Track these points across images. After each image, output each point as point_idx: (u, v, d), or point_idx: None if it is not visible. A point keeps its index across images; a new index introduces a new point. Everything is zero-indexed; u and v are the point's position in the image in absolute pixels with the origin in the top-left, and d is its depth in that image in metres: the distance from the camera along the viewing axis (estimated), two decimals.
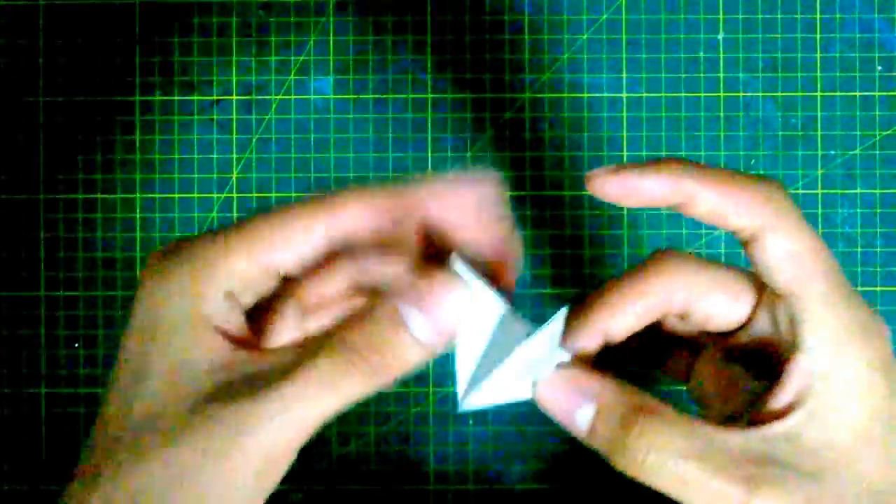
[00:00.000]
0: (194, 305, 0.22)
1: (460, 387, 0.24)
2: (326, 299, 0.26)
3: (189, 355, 0.22)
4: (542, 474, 0.42)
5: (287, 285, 0.25)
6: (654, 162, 0.23)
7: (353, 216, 0.23)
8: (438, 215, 0.24)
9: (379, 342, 0.22)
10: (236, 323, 0.23)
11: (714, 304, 0.25)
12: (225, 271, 0.22)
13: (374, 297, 0.23)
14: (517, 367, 0.24)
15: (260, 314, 0.26)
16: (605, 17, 0.43)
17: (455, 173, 0.24)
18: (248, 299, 0.24)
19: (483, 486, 0.42)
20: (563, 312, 0.24)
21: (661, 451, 0.22)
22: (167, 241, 0.43)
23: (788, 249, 0.22)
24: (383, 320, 0.22)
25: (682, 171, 0.23)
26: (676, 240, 0.42)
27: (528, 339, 0.23)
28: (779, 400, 0.23)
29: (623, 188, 0.23)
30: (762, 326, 0.25)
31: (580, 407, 0.23)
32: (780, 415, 0.22)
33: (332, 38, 0.43)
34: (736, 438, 0.22)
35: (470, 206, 0.24)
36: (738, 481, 0.21)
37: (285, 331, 0.26)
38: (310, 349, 0.22)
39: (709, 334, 0.26)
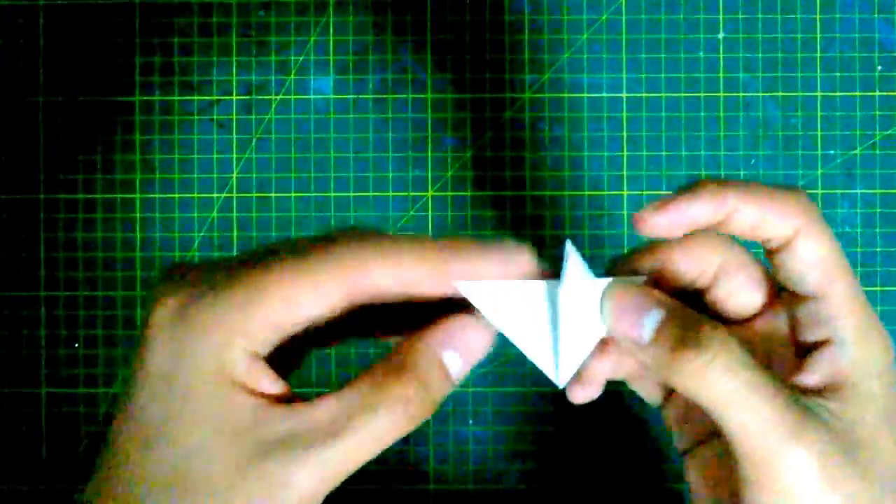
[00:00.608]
0: (222, 369, 0.22)
1: (548, 370, 0.25)
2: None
3: (223, 416, 0.22)
4: (542, 474, 0.42)
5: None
6: (692, 187, 0.24)
7: (375, 278, 0.23)
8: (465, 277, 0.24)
9: (429, 392, 0.23)
10: (265, 378, 0.23)
11: (741, 283, 0.26)
12: (244, 336, 0.22)
13: (401, 347, 0.23)
14: (573, 318, 0.24)
15: (290, 358, 0.26)
16: (605, 17, 0.43)
17: (490, 243, 0.24)
18: (266, 349, 0.23)
19: (483, 486, 0.42)
20: (568, 245, 0.25)
21: (727, 358, 0.22)
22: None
23: (818, 254, 0.24)
24: (431, 370, 0.23)
25: (722, 192, 0.24)
26: None
27: (560, 289, 0.24)
28: (814, 383, 0.24)
29: (673, 222, 0.24)
30: (772, 324, 0.26)
31: (647, 314, 0.24)
32: (818, 395, 0.24)
33: (332, 38, 0.43)
34: (787, 389, 0.23)
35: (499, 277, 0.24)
36: (790, 414, 0.22)
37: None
38: (360, 403, 0.22)
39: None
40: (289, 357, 0.26)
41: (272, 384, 0.23)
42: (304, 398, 0.23)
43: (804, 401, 0.23)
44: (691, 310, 0.24)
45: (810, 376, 0.24)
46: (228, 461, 0.21)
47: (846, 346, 0.24)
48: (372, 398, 0.22)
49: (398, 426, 0.22)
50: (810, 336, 0.25)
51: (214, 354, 0.22)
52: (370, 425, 0.22)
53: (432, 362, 0.23)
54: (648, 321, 0.24)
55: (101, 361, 0.43)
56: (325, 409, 0.22)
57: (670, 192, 0.24)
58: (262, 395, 0.22)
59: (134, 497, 0.21)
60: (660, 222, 0.24)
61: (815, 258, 0.24)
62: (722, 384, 0.22)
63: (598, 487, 0.42)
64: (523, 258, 0.24)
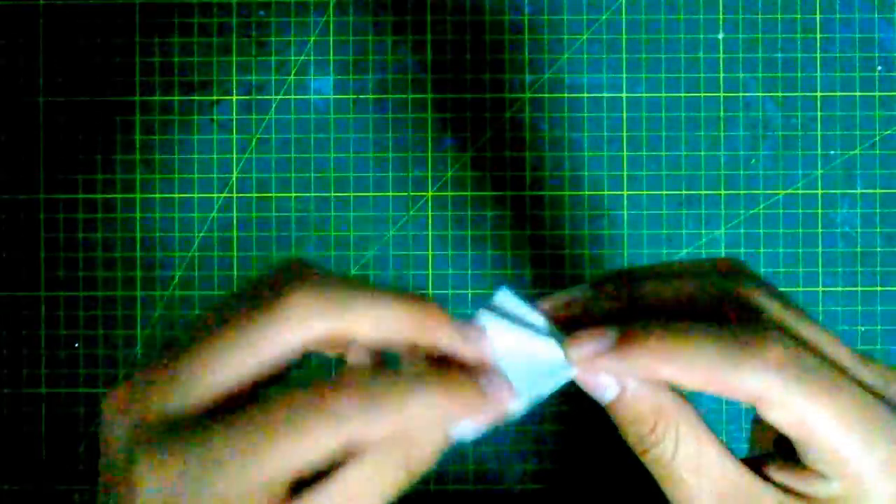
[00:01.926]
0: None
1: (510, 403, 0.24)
2: None
3: None
4: (542, 474, 0.42)
5: None
6: (629, 341, 0.23)
7: (317, 331, 0.21)
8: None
9: (428, 455, 0.23)
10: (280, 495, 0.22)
11: None
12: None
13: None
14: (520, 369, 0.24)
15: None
16: (605, 17, 0.43)
17: (463, 327, 0.23)
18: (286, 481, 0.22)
19: (483, 486, 0.42)
20: (505, 294, 0.25)
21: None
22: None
23: (788, 418, 0.22)
24: (433, 444, 0.23)
25: (660, 358, 0.22)
26: (677, 240, 0.42)
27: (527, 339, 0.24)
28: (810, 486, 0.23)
29: (601, 374, 0.24)
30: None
31: (607, 387, 0.24)
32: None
33: (332, 38, 0.43)
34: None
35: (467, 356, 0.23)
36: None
37: None
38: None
39: None
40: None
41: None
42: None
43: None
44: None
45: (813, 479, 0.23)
46: None
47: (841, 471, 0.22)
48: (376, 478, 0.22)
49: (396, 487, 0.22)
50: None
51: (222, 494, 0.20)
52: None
53: (438, 438, 0.23)
54: (609, 392, 0.24)
55: (101, 361, 0.43)
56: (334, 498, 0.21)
57: (602, 338, 0.23)
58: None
59: None
60: (590, 373, 0.24)
61: (783, 422, 0.22)
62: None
63: (598, 487, 0.42)
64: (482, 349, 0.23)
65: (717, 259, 0.25)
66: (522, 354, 0.24)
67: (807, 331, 0.24)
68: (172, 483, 0.20)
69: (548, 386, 0.24)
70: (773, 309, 0.23)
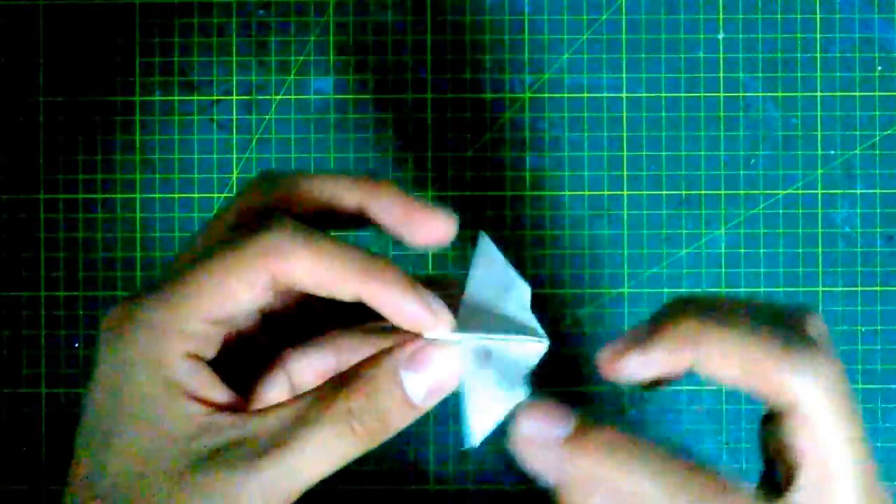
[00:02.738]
0: (160, 372, 0.21)
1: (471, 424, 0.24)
2: (311, 374, 0.26)
3: (164, 422, 0.21)
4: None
5: (277, 359, 0.25)
6: (652, 333, 0.22)
7: (296, 273, 0.22)
8: (375, 307, 0.23)
9: (380, 407, 0.22)
10: (208, 384, 0.22)
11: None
12: (178, 335, 0.21)
13: (364, 360, 0.23)
14: (496, 377, 0.24)
15: (245, 376, 0.25)
16: (605, 17, 0.43)
17: (415, 290, 0.23)
18: (211, 351, 0.23)
19: (483, 486, 0.42)
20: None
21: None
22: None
23: (809, 442, 0.21)
24: (384, 384, 0.22)
25: (680, 344, 0.22)
26: (677, 240, 0.42)
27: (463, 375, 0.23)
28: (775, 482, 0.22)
29: (631, 375, 0.23)
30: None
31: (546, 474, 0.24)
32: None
33: (332, 38, 0.43)
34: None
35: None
36: None
37: (274, 393, 0.26)
38: (303, 415, 0.21)
39: None
40: (253, 367, 0.26)
41: (218, 391, 0.22)
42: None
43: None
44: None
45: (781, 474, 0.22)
46: (169, 471, 0.21)
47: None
48: (317, 409, 0.21)
49: (347, 443, 0.21)
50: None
51: (150, 356, 0.21)
52: (315, 438, 0.21)
53: (387, 378, 0.22)
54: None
55: None
56: (269, 420, 0.21)
57: (631, 335, 0.23)
58: (205, 402, 0.22)
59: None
60: (620, 375, 0.23)
61: (804, 446, 0.21)
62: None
63: None
64: (439, 320, 0.23)
65: (798, 306, 0.24)
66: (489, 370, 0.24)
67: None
68: (122, 309, 0.22)
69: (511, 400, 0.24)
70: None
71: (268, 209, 0.23)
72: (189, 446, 0.21)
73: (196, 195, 0.43)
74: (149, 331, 0.21)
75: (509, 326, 0.24)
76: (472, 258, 0.25)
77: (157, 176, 0.43)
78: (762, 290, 0.42)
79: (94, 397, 0.22)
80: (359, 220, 0.24)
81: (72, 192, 0.43)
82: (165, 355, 0.21)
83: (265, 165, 0.43)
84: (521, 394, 0.24)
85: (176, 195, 0.43)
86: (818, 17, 0.43)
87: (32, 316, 0.43)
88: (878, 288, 0.42)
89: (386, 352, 0.23)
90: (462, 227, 0.43)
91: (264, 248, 0.22)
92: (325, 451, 0.21)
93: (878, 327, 0.42)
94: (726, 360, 0.22)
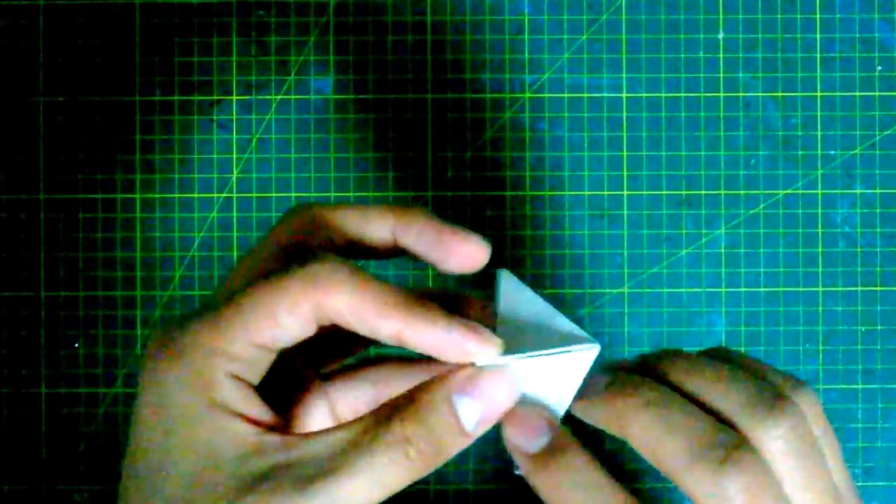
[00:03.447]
0: (206, 393, 0.21)
1: None
2: (353, 403, 0.26)
3: (213, 444, 0.21)
4: None
5: (315, 384, 0.26)
6: (606, 395, 0.24)
7: (339, 305, 0.22)
8: (414, 344, 0.23)
9: (434, 434, 0.21)
10: (255, 406, 0.22)
11: None
12: (224, 357, 0.22)
13: (416, 386, 0.23)
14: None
15: (286, 401, 0.25)
16: (605, 17, 0.43)
17: (456, 326, 0.23)
18: (254, 376, 0.23)
19: (483, 486, 0.42)
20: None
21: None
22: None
23: None
24: (438, 411, 0.22)
25: (621, 420, 0.23)
26: (677, 240, 0.42)
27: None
28: None
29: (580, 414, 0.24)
30: None
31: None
32: None
33: (332, 38, 0.43)
34: None
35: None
36: None
37: (315, 418, 0.26)
38: (357, 440, 0.21)
39: None
40: (291, 391, 0.26)
41: (263, 413, 0.22)
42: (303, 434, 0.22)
43: None
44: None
45: None
46: (219, 495, 0.20)
47: None
48: (370, 435, 0.21)
49: (399, 470, 0.21)
50: None
51: (195, 376, 0.21)
52: (369, 465, 0.21)
53: (442, 406, 0.22)
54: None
55: (101, 361, 0.43)
56: (321, 445, 0.21)
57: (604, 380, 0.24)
58: (252, 422, 0.22)
59: None
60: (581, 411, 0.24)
61: None
62: None
63: None
64: (482, 351, 0.23)
65: (787, 385, 0.24)
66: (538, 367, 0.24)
67: (799, 481, 0.22)
68: (167, 332, 0.22)
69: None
70: (780, 441, 0.22)
71: (308, 243, 0.24)
72: (238, 469, 0.21)
73: (196, 195, 0.43)
74: (194, 351, 0.21)
75: (553, 341, 0.24)
76: (497, 290, 0.25)
77: (157, 176, 0.43)
78: (762, 289, 0.42)
79: (140, 421, 0.22)
80: (391, 249, 0.25)
81: (72, 192, 0.43)
82: (212, 375, 0.21)
83: (265, 165, 0.43)
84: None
85: (176, 195, 0.43)
86: (818, 17, 0.43)
87: (32, 316, 0.43)
88: (878, 288, 0.42)
89: (439, 379, 0.22)
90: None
91: (309, 279, 0.22)
92: (378, 479, 0.21)
93: (878, 327, 0.42)
94: (645, 452, 0.23)
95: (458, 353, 0.22)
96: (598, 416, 0.24)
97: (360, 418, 0.22)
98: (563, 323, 0.24)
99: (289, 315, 0.22)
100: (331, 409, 0.27)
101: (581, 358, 0.24)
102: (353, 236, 0.24)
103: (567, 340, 0.24)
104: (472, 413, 0.22)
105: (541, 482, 0.23)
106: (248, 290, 0.22)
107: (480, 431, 0.22)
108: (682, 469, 0.22)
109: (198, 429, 0.21)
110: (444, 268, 0.24)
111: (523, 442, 0.24)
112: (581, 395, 0.24)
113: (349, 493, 0.20)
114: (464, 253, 0.24)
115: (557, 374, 0.24)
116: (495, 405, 0.22)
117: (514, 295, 0.25)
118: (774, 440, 0.22)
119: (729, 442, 0.22)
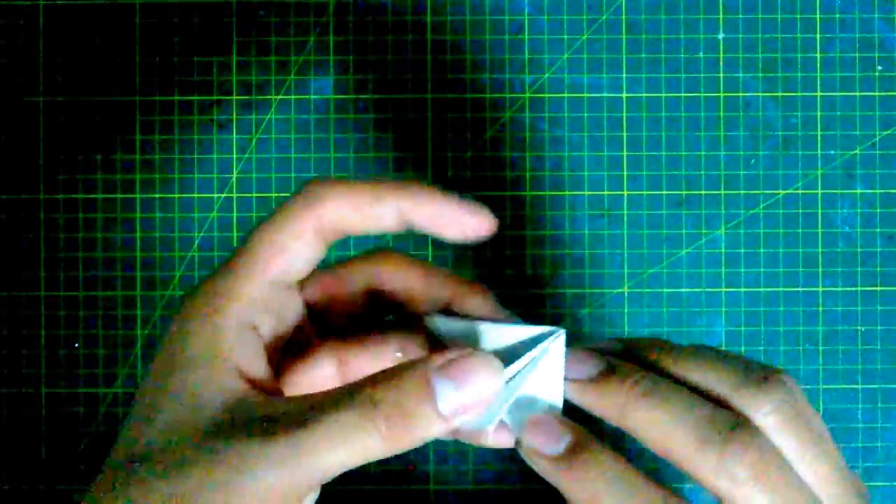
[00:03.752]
0: (215, 342, 0.22)
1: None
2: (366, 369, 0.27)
3: (203, 391, 0.22)
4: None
5: (327, 343, 0.26)
6: (603, 380, 0.24)
7: (337, 209, 0.23)
8: (415, 219, 0.24)
9: (404, 404, 0.21)
10: (257, 364, 0.23)
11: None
12: (239, 300, 0.22)
13: (405, 362, 0.23)
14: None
15: (294, 368, 0.26)
16: (605, 17, 0.43)
17: (449, 195, 0.24)
18: (270, 326, 0.23)
19: (483, 486, 0.42)
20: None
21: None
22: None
23: None
24: (412, 382, 0.22)
25: (625, 411, 0.23)
26: (677, 240, 0.42)
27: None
28: None
29: (580, 400, 0.24)
30: None
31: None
32: None
33: (332, 38, 0.43)
34: None
35: (445, 223, 0.24)
36: None
37: (317, 386, 0.26)
38: (330, 400, 0.21)
39: None
40: (298, 359, 0.26)
41: (262, 368, 0.23)
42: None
43: None
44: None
45: None
46: (192, 435, 0.21)
47: None
48: (342, 396, 0.21)
49: (367, 435, 0.21)
50: None
51: (207, 326, 0.22)
52: (333, 423, 0.21)
53: (418, 378, 0.22)
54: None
55: (101, 361, 0.43)
56: (299, 403, 0.22)
57: (598, 362, 0.24)
58: (247, 378, 0.22)
59: (120, 465, 0.22)
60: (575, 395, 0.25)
61: None
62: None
63: None
64: (475, 221, 0.24)
65: (769, 367, 0.24)
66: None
67: (797, 449, 0.23)
68: (193, 286, 0.23)
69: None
70: (774, 415, 0.23)
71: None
72: (216, 419, 0.21)
73: (196, 195, 0.43)
74: (213, 298, 0.23)
75: (520, 336, 0.25)
76: (437, 331, 0.26)
77: (157, 176, 0.43)
78: (762, 290, 0.42)
79: (152, 367, 0.23)
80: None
81: (72, 192, 0.43)
82: (224, 324, 0.22)
83: (265, 165, 0.43)
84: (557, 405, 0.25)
85: (176, 195, 0.43)
86: (818, 17, 0.43)
87: (32, 316, 0.43)
88: (878, 288, 0.42)
89: (425, 358, 0.22)
90: None
91: (304, 198, 0.23)
92: (342, 437, 0.21)
93: (878, 327, 0.42)
94: (649, 440, 0.23)
95: (455, 225, 0.24)
96: (596, 406, 0.24)
97: (344, 385, 0.22)
98: (520, 326, 0.25)
99: (295, 239, 0.23)
100: (341, 375, 0.27)
101: (554, 347, 0.24)
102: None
103: (533, 336, 0.24)
104: (450, 396, 0.22)
105: (569, 482, 0.23)
106: (253, 230, 0.24)
107: (457, 421, 0.22)
108: (688, 454, 0.22)
109: (192, 376, 0.22)
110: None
111: (545, 446, 0.24)
112: (573, 381, 0.25)
113: (312, 447, 0.20)
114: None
115: (540, 371, 0.24)
116: (475, 392, 0.22)
117: (452, 325, 0.25)
118: (769, 415, 0.22)
119: (729, 421, 0.22)
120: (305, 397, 0.22)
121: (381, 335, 0.27)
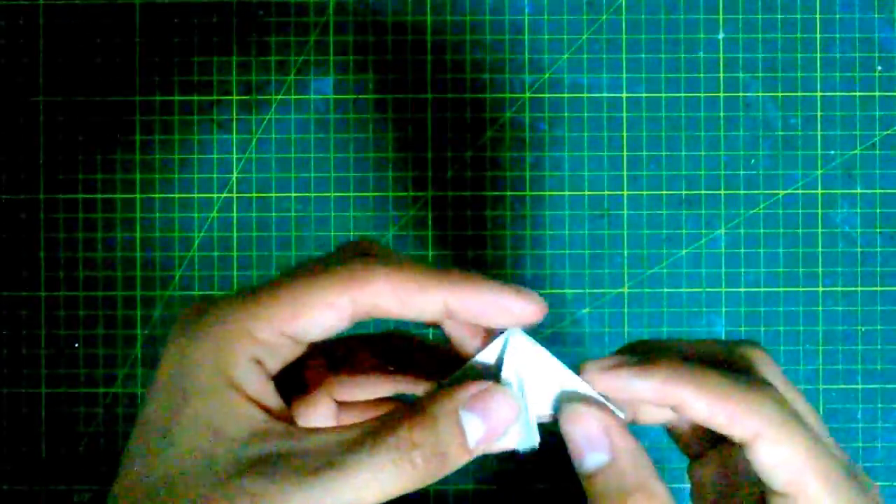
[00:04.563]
0: (225, 369, 0.21)
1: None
2: (357, 401, 0.27)
3: (222, 420, 0.21)
4: (542, 474, 0.42)
5: (320, 376, 0.26)
6: (648, 363, 0.24)
7: (378, 294, 0.23)
8: (461, 311, 0.23)
9: (439, 446, 0.21)
10: (268, 393, 0.22)
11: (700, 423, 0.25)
12: (250, 338, 0.22)
13: (424, 396, 0.23)
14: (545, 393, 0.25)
15: (290, 392, 0.26)
16: (605, 17, 0.43)
17: (495, 285, 0.23)
18: (274, 365, 0.23)
19: (483, 487, 0.42)
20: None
21: None
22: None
23: (782, 456, 0.23)
24: (445, 422, 0.22)
25: (673, 378, 0.23)
26: (677, 239, 0.42)
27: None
28: None
29: (615, 387, 0.24)
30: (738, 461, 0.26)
31: (595, 450, 0.24)
32: None
33: (332, 38, 0.43)
34: None
35: (494, 318, 0.24)
36: None
37: (317, 416, 0.26)
38: (359, 438, 0.21)
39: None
40: (298, 387, 0.26)
41: (274, 401, 0.22)
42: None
43: None
44: (640, 463, 0.24)
45: None
46: (217, 473, 0.20)
47: None
48: (377, 437, 0.21)
49: (401, 474, 0.21)
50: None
51: (216, 354, 0.21)
52: (371, 464, 0.20)
53: (450, 417, 0.22)
54: (591, 459, 0.24)
55: (101, 361, 0.43)
56: (325, 439, 0.21)
57: (624, 357, 0.24)
58: (261, 407, 0.22)
59: (133, 501, 0.21)
60: (601, 382, 0.24)
61: (777, 460, 0.23)
62: None
63: None
64: (527, 309, 0.23)
65: (741, 341, 0.26)
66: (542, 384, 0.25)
67: (800, 405, 0.25)
68: (195, 311, 0.23)
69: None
70: (774, 378, 0.25)
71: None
72: (241, 450, 0.21)
73: (196, 195, 0.43)
74: (222, 329, 0.22)
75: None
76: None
77: (157, 176, 0.43)
78: (762, 289, 0.42)
79: (156, 390, 0.22)
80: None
81: (72, 192, 0.43)
82: (233, 354, 0.22)
83: (265, 165, 0.43)
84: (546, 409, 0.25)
85: (176, 195, 0.43)
86: (818, 17, 0.43)
87: (32, 316, 0.43)
88: (878, 288, 0.42)
89: (446, 393, 0.23)
90: (462, 227, 0.43)
91: (348, 273, 0.22)
92: (377, 480, 0.21)
93: (878, 327, 0.42)
94: (700, 402, 0.23)
95: (505, 314, 0.23)
96: (652, 385, 0.24)
97: (367, 420, 0.22)
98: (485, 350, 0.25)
99: (326, 308, 0.22)
100: (335, 408, 0.27)
101: (515, 342, 0.25)
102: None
103: (498, 347, 0.25)
104: (477, 430, 0.22)
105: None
106: (285, 280, 0.22)
107: (481, 450, 0.22)
108: (724, 408, 0.23)
109: (208, 404, 0.21)
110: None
111: (619, 360, 0.24)
112: (617, 363, 0.24)
113: (347, 490, 0.20)
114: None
115: (530, 369, 0.25)
116: (498, 424, 0.23)
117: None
118: (762, 367, 0.25)
119: (747, 377, 0.24)
120: (333, 433, 0.21)
121: (372, 370, 0.27)
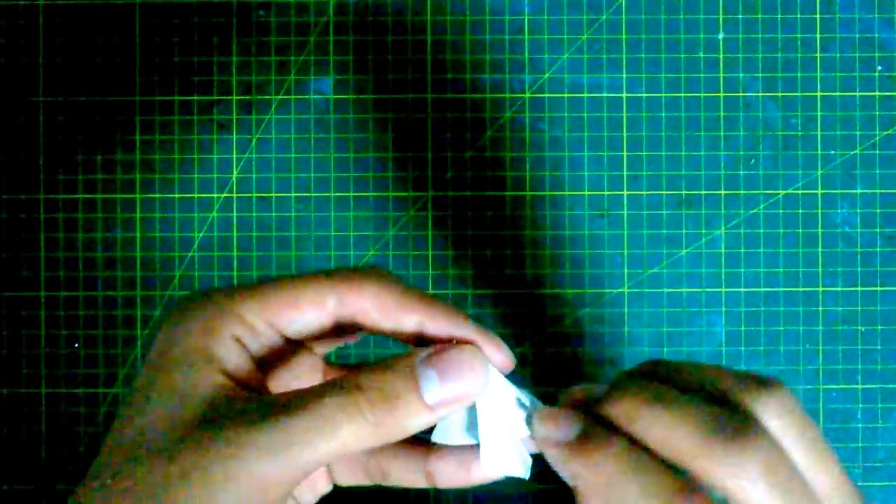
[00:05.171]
0: (204, 344, 0.23)
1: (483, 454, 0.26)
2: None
3: (190, 387, 0.22)
4: (541, 474, 0.42)
5: (305, 352, 0.27)
6: (613, 396, 0.24)
7: (364, 299, 0.24)
8: (435, 336, 0.24)
9: (388, 389, 0.22)
10: (245, 367, 0.23)
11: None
12: (234, 317, 0.23)
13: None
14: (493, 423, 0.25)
15: (276, 374, 0.26)
16: (605, 17, 0.43)
17: (473, 328, 0.24)
18: (256, 348, 0.24)
19: (483, 487, 0.42)
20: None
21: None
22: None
23: None
24: (398, 371, 0.22)
25: (635, 418, 0.23)
26: (677, 240, 0.42)
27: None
28: None
29: (553, 456, 0.25)
30: None
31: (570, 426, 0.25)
32: None
33: (332, 38, 0.43)
34: None
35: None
36: None
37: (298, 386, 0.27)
38: (316, 389, 0.22)
39: None
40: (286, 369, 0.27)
41: (252, 373, 0.23)
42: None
43: None
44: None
45: None
46: (179, 427, 0.21)
47: None
48: (331, 384, 0.22)
49: (351, 422, 0.21)
50: None
51: (200, 328, 0.23)
52: (319, 408, 0.21)
53: (404, 367, 0.23)
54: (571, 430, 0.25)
55: (101, 361, 0.43)
56: (283, 394, 0.22)
57: (576, 423, 0.25)
58: (236, 379, 0.23)
59: (110, 454, 0.22)
60: (544, 447, 0.25)
61: None
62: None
63: None
64: (494, 358, 0.25)
65: (759, 378, 0.24)
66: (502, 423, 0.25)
67: (802, 452, 0.22)
68: (189, 297, 0.24)
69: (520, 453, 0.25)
70: (785, 427, 0.22)
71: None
72: (204, 410, 0.22)
73: (196, 195, 0.43)
74: (211, 306, 0.23)
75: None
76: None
77: (157, 176, 0.43)
78: (762, 290, 0.42)
79: (145, 365, 0.24)
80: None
81: (72, 192, 0.43)
82: (217, 330, 0.23)
83: (265, 165, 0.43)
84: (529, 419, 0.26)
85: (176, 195, 0.43)
86: (818, 17, 0.43)
87: (32, 316, 0.43)
88: (878, 288, 0.42)
89: (412, 350, 0.24)
90: (462, 227, 0.43)
91: (338, 276, 0.24)
92: (327, 424, 0.21)
93: (878, 327, 0.42)
94: (656, 443, 0.22)
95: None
96: (609, 414, 0.24)
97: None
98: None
99: (311, 305, 0.24)
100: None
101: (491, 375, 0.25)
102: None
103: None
104: (432, 384, 0.23)
105: (583, 467, 0.23)
106: (278, 277, 0.24)
107: (442, 410, 0.23)
108: (697, 451, 0.21)
109: (184, 372, 0.22)
110: None
111: (558, 433, 0.24)
112: (578, 397, 0.25)
113: (298, 433, 0.21)
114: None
115: (503, 401, 0.26)
116: (458, 383, 0.23)
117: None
118: (774, 418, 0.22)
119: (737, 419, 0.22)
120: (293, 391, 0.22)
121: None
